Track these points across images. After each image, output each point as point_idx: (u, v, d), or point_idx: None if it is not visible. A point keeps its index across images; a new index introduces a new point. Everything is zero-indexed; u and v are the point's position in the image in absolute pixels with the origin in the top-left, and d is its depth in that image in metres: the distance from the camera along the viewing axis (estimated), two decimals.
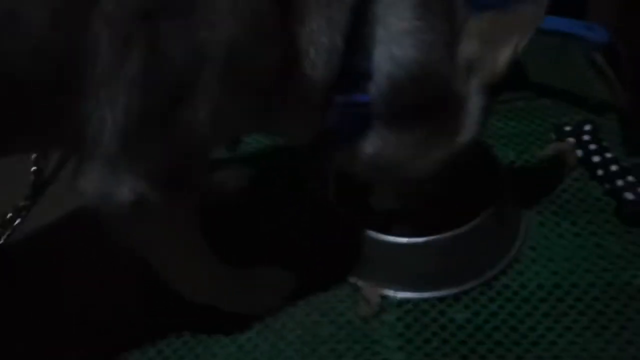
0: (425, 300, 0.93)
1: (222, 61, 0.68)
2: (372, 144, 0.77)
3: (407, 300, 0.93)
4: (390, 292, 0.93)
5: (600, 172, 1.06)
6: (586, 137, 1.10)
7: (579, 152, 1.10)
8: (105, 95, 0.66)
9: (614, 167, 1.05)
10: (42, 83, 0.65)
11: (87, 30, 0.63)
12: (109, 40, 0.64)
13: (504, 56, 0.75)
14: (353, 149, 0.79)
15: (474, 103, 0.78)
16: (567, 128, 1.13)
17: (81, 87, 0.65)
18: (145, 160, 0.72)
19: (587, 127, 1.12)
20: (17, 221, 1.11)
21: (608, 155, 1.07)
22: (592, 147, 1.09)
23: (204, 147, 0.77)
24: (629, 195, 1.01)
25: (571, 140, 1.12)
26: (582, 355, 0.84)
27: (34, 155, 1.16)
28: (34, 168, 1.18)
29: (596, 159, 1.07)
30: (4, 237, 1.09)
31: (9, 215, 1.11)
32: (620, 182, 1.03)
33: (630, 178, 1.03)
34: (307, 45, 0.71)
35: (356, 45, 0.71)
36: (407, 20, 0.71)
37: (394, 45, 0.72)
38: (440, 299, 0.92)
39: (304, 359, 0.88)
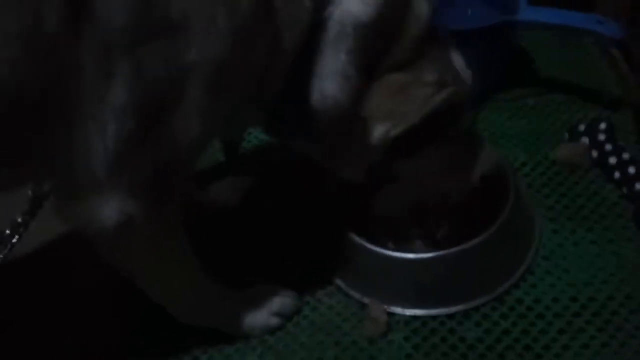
0: (433, 317, 0.88)
1: (207, 77, 0.67)
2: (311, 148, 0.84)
3: (415, 318, 0.89)
4: (398, 310, 0.89)
5: (617, 174, 1.01)
6: (601, 137, 1.05)
7: (594, 153, 1.04)
8: (93, 125, 0.64)
9: (631, 169, 0.99)
10: (25, 119, 0.63)
11: (71, 64, 0.61)
12: (93, 70, 0.62)
13: (377, 132, 0.78)
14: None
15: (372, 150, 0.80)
16: (581, 127, 1.08)
17: (67, 121, 0.63)
18: (131, 178, 0.70)
19: (602, 126, 1.06)
20: (15, 238, 1.08)
21: (625, 156, 1.01)
22: (608, 147, 1.03)
23: (192, 155, 0.77)
24: None
25: (585, 140, 1.06)
26: None
27: None
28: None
29: (612, 160, 1.02)
30: (2, 254, 1.06)
31: (7, 232, 1.08)
32: (638, 186, 0.97)
33: None
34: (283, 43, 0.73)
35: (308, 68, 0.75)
36: (341, 65, 0.74)
37: (325, 80, 0.75)
38: (450, 316, 0.88)
39: None
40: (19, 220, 1.09)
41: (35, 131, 0.64)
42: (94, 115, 0.63)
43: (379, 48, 0.76)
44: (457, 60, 0.84)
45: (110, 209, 0.70)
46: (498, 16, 1.14)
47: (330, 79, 0.75)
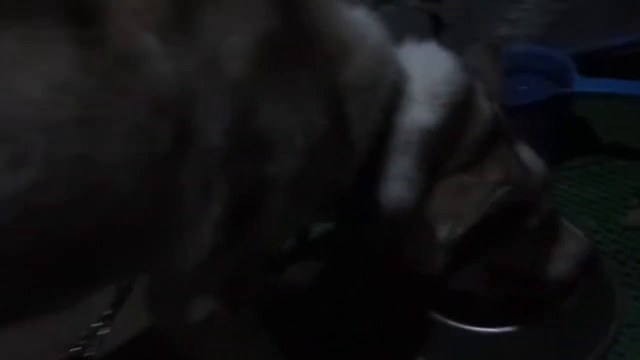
0: None
1: (286, 187, 0.72)
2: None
3: None
4: None
5: None
6: None
7: None
8: (189, 237, 0.68)
9: None
10: (126, 233, 0.67)
11: (174, 183, 0.65)
12: (193, 188, 0.66)
13: (441, 232, 0.80)
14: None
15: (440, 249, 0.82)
16: None
17: (165, 233, 0.68)
18: (216, 278, 0.74)
19: None
20: (104, 331, 1.11)
21: None
22: None
23: (269, 253, 0.81)
24: None
25: None
26: None
27: None
28: None
29: None
30: (91, 349, 1.08)
31: (95, 325, 1.11)
32: None
33: None
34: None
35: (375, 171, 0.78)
36: (406, 169, 0.78)
37: (391, 183, 0.78)
38: None
39: None
40: (106, 313, 1.13)
41: (134, 243, 0.68)
42: (191, 228, 0.68)
43: (443, 152, 0.79)
44: (525, 153, 0.86)
45: (196, 307, 0.74)
46: (554, 89, 1.17)
47: (395, 182, 0.78)
